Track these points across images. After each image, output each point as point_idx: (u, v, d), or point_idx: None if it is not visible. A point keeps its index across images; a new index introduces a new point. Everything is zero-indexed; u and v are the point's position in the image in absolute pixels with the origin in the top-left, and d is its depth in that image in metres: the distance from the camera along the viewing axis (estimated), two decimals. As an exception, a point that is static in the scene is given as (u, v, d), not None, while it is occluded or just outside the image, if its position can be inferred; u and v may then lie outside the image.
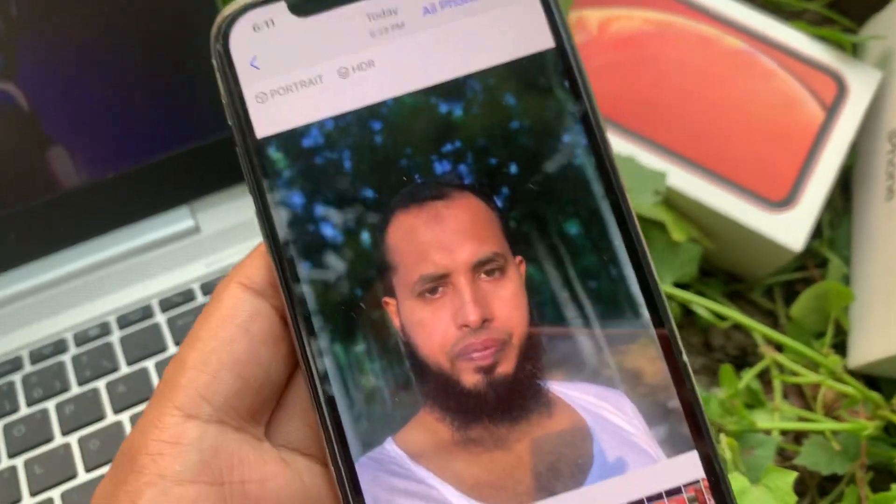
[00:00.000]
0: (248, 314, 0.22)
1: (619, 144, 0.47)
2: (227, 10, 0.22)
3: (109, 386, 0.42)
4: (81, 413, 0.42)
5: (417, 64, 0.21)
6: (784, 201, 0.47)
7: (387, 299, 0.22)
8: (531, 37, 0.22)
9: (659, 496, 0.21)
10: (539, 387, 0.21)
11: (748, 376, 0.45)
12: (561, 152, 0.21)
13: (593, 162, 0.21)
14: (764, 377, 0.47)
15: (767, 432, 0.43)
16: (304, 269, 0.21)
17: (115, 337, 0.45)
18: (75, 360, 0.44)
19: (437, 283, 0.22)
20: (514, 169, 0.21)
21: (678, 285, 0.47)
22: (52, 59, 0.44)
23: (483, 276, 0.22)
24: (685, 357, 0.21)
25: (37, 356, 0.44)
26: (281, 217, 0.21)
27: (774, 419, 0.44)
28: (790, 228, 0.46)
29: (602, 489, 0.20)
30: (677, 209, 0.48)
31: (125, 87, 0.46)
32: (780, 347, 0.47)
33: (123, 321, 0.45)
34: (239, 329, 0.22)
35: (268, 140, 0.21)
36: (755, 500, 0.34)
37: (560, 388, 0.21)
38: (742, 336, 0.49)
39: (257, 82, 0.22)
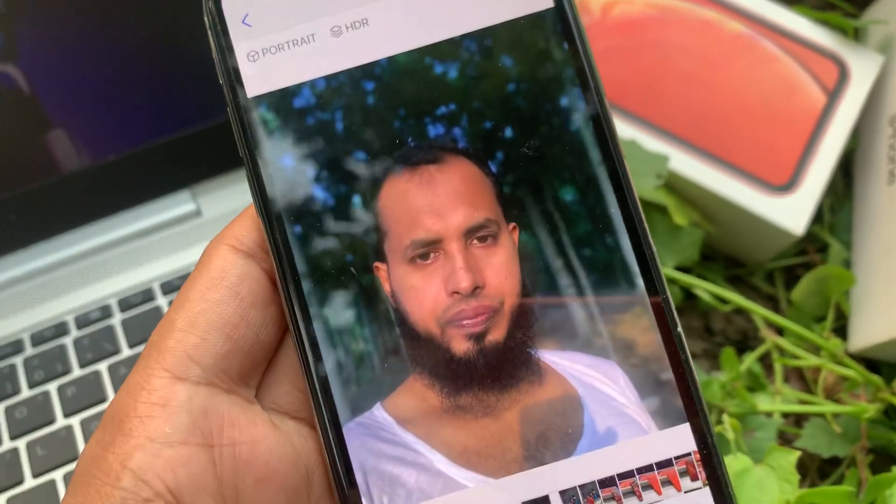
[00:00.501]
0: (238, 276, 0.22)
1: (621, 128, 0.47)
2: None
3: (111, 368, 0.42)
4: (83, 395, 0.42)
5: (413, 23, 0.21)
6: (785, 185, 0.47)
7: (378, 264, 0.21)
8: None
9: (649, 468, 0.20)
10: (530, 355, 0.21)
11: (749, 360, 0.44)
12: (558, 117, 0.21)
13: (591, 128, 0.21)
14: (765, 361, 0.47)
15: (769, 415, 0.43)
16: (294, 231, 0.21)
17: (117, 320, 0.44)
18: (77, 342, 0.44)
19: (428, 249, 0.21)
20: (509, 133, 0.21)
21: (679, 269, 0.47)
22: (53, 40, 0.44)
23: (475, 242, 0.21)
24: (680, 329, 0.21)
25: (38, 339, 0.44)
26: (271, 178, 0.21)
27: (776, 402, 0.44)
28: (791, 212, 0.46)
29: (591, 459, 0.20)
30: (679, 193, 0.47)
31: (127, 70, 0.46)
32: (780, 331, 0.47)
33: (125, 304, 0.45)
34: (228, 291, 0.22)
35: (259, 99, 0.21)
36: (758, 479, 0.34)
37: (551, 356, 0.21)
38: (743, 320, 0.49)
39: (249, 40, 0.21)
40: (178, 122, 0.47)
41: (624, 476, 0.20)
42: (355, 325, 0.21)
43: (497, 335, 0.21)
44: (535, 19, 0.21)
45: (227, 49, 0.21)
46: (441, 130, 0.21)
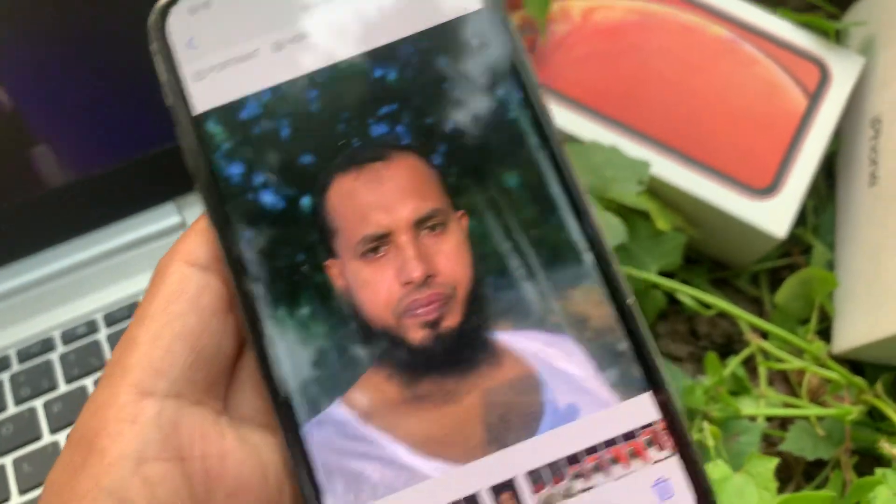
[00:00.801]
0: (197, 288, 0.22)
1: (601, 134, 0.47)
2: None
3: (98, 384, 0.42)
4: (69, 411, 0.42)
5: (350, 32, 0.22)
6: (767, 189, 0.47)
7: (330, 262, 0.22)
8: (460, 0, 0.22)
9: (614, 441, 0.20)
10: (486, 338, 0.21)
11: (733, 363, 0.44)
12: (495, 107, 0.22)
13: (528, 114, 0.22)
14: (749, 364, 0.47)
15: (753, 419, 0.43)
16: (247, 238, 0.22)
17: (103, 335, 0.44)
18: (63, 358, 0.44)
19: (379, 243, 0.22)
20: (450, 126, 0.22)
21: (663, 273, 0.47)
22: (35, 56, 0.44)
23: (425, 232, 0.22)
24: (632, 299, 0.21)
25: (24, 355, 0.44)
26: (223, 189, 0.22)
27: (760, 406, 0.44)
28: (774, 216, 0.46)
29: (555, 437, 0.20)
30: (661, 198, 0.47)
31: (109, 84, 0.46)
32: (765, 334, 0.47)
33: (111, 319, 0.45)
34: (189, 303, 0.22)
35: (206, 115, 0.22)
36: (737, 486, 0.34)
37: (507, 337, 0.21)
38: (728, 323, 0.49)
39: (195, 61, 0.22)
40: (162, 134, 0.47)
41: (590, 451, 0.20)
42: (311, 324, 0.21)
43: (452, 321, 0.21)
44: (465, 20, 0.22)
45: (173, 72, 0.22)
46: (384, 129, 0.22)
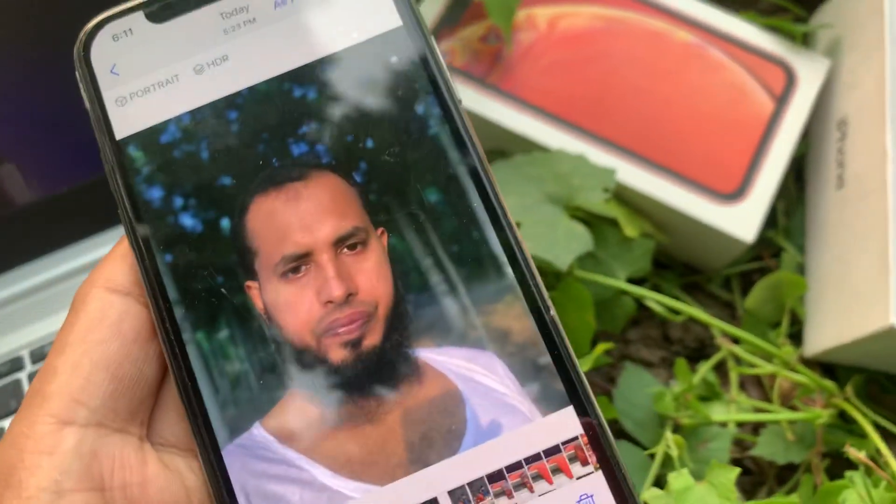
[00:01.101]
0: (118, 314, 0.22)
1: (568, 142, 0.47)
2: (88, 25, 0.23)
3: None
4: None
5: (270, 54, 0.22)
6: (735, 193, 0.47)
7: (249, 283, 0.22)
8: (379, 18, 0.22)
9: (537, 457, 0.20)
10: (408, 355, 0.21)
11: (703, 369, 0.44)
12: (415, 124, 0.22)
13: (448, 130, 0.22)
14: (722, 369, 0.47)
15: (724, 425, 0.43)
16: (168, 261, 0.22)
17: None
18: (32, 377, 0.43)
19: (299, 262, 0.22)
20: (370, 144, 0.22)
21: (634, 280, 0.47)
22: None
23: (345, 250, 0.22)
24: (553, 312, 0.21)
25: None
26: (143, 213, 0.22)
27: (730, 411, 0.44)
28: (742, 220, 0.46)
29: (477, 454, 0.20)
30: (630, 205, 0.47)
31: (75, 101, 0.45)
32: (737, 339, 0.47)
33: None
34: (110, 330, 0.22)
35: (127, 140, 0.22)
36: (699, 497, 0.33)
37: (429, 354, 0.21)
38: (700, 328, 0.49)
39: (117, 87, 0.22)
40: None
41: (512, 468, 0.20)
42: (231, 347, 0.21)
43: (373, 339, 0.21)
44: (384, 38, 0.22)
45: (96, 98, 0.23)
46: (304, 149, 0.22)
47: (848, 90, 0.48)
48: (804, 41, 0.51)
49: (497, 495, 0.20)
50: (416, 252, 0.21)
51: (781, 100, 0.48)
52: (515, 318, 0.21)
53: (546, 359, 0.20)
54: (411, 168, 0.21)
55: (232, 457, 0.21)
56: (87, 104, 0.23)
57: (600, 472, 0.20)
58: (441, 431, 0.20)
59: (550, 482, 0.20)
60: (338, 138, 0.22)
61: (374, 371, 0.21)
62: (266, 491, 0.20)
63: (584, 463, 0.20)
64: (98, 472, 0.21)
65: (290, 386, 0.21)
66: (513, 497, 0.20)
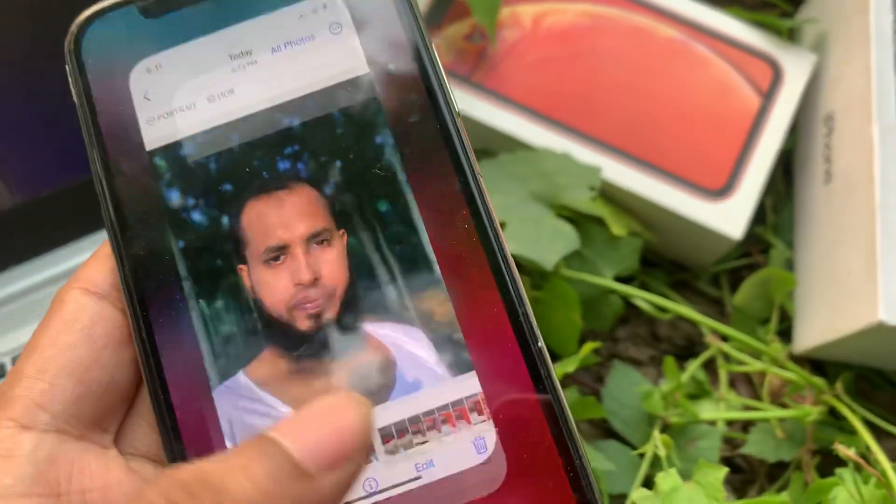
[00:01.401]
0: (91, 318, 0.23)
1: (553, 140, 0.47)
2: (79, 18, 0.27)
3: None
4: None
5: (266, 89, 0.30)
6: (722, 190, 0.47)
7: (241, 266, 0.29)
8: (350, 65, 0.29)
9: (446, 407, 0.27)
10: (356, 327, 0.28)
11: (692, 368, 0.45)
12: (374, 151, 0.29)
13: (398, 158, 0.29)
14: (711, 366, 0.47)
15: (713, 423, 0.43)
16: (181, 247, 0.28)
17: None
18: (12, 384, 0.43)
19: (279, 253, 0.28)
20: (337, 164, 0.29)
21: (622, 278, 0.47)
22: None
23: (314, 245, 0.28)
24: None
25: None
26: (133, 213, 0.28)
27: (720, 409, 0.44)
28: (729, 217, 0.46)
29: (402, 403, 0.27)
30: (616, 203, 0.48)
31: (57, 103, 0.45)
32: (725, 337, 0.46)
33: None
34: (81, 334, 0.23)
35: (154, 152, 0.29)
36: (687, 496, 0.33)
37: (372, 327, 0.28)
38: (689, 326, 0.50)
39: (148, 110, 0.30)
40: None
41: (427, 414, 0.27)
42: (224, 314, 0.28)
43: (331, 314, 0.28)
44: (354, 82, 0.29)
45: (84, 91, 0.28)
46: (288, 165, 0.29)
47: (834, 85, 0.49)
48: (790, 36, 0.52)
49: (414, 433, 0.27)
50: (367, 249, 0.28)
51: (768, 95, 0.49)
52: (438, 304, 0.28)
53: (459, 335, 0.28)
54: (368, 185, 0.29)
55: (221, 395, 0.27)
56: (76, 98, 0.26)
57: (491, 422, 0.27)
58: (377, 385, 0.27)
59: (453, 426, 0.27)
60: (314, 159, 0.29)
61: (330, 337, 0.28)
62: (245, 421, 0.27)
63: (480, 413, 0.27)
64: (54, 477, 0.22)
65: (267, 345, 0.28)
66: (426, 435, 0.27)
